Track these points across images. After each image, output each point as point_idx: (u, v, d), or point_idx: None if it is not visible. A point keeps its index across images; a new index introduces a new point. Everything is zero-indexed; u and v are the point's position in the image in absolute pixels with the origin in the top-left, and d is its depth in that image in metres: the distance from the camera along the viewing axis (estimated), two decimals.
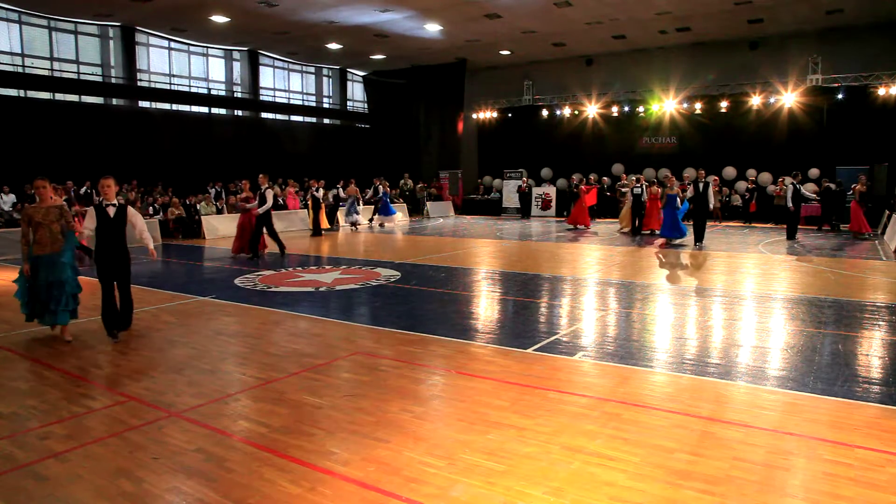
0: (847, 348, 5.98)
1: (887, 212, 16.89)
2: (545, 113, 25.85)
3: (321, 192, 18.19)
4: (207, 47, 23.69)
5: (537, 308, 8.12)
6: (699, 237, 14.24)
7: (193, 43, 23.05)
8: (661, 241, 14.80)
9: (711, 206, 14.69)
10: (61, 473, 3.57)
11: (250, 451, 3.83)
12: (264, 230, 12.85)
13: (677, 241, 14.75)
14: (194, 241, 16.82)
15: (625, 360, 5.64)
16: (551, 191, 25.72)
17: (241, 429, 4.19)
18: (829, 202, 18.51)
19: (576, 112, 25.12)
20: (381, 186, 21.03)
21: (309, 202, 18.67)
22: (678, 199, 14.48)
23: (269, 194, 12.64)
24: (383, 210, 20.90)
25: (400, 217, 21.36)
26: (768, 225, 19.89)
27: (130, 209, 6.51)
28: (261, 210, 12.60)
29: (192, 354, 5.97)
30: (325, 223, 18.64)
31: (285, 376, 5.25)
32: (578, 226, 19.78)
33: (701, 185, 14.09)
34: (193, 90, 23.32)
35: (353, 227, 20.05)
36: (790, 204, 15.15)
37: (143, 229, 6.60)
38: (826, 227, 18.55)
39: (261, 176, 12.96)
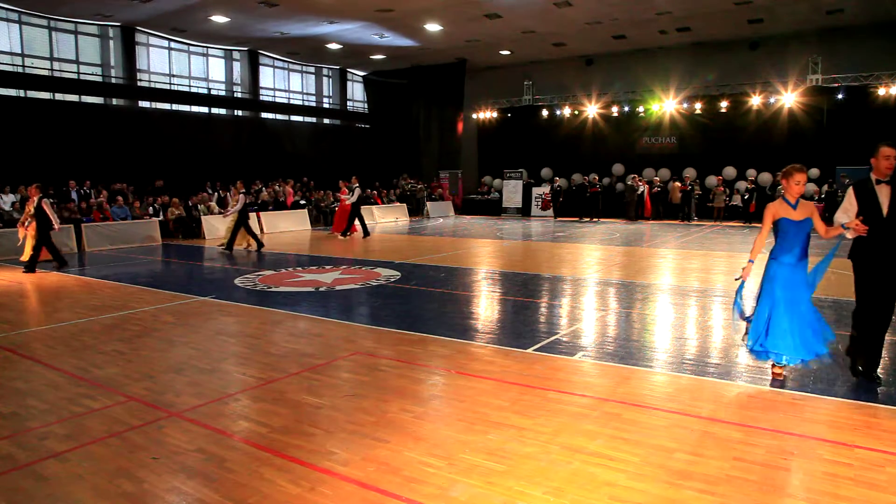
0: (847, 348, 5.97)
1: None
2: (545, 113, 25.82)
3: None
4: (207, 47, 23.65)
5: (537, 308, 8.12)
6: (869, 361, 4.97)
7: (193, 43, 23.01)
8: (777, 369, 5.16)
9: None
10: (61, 473, 3.57)
11: (250, 451, 3.83)
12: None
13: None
14: (194, 241, 16.82)
15: (625, 360, 5.64)
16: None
17: (241, 429, 4.19)
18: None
19: (576, 112, 25.09)
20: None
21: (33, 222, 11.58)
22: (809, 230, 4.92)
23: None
24: None
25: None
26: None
27: None
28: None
29: (192, 354, 5.97)
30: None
31: (285, 376, 5.25)
32: (335, 232, 17.77)
33: (885, 203, 4.67)
34: (193, 90, 23.28)
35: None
36: None
37: None
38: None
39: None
